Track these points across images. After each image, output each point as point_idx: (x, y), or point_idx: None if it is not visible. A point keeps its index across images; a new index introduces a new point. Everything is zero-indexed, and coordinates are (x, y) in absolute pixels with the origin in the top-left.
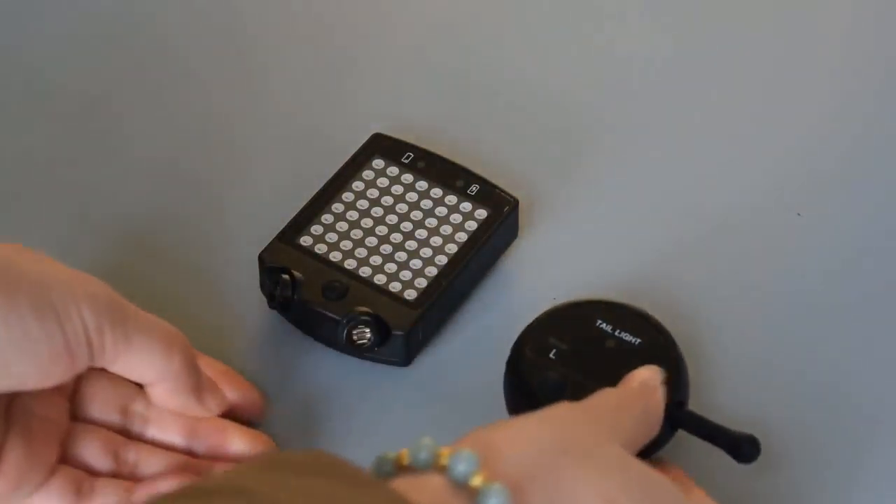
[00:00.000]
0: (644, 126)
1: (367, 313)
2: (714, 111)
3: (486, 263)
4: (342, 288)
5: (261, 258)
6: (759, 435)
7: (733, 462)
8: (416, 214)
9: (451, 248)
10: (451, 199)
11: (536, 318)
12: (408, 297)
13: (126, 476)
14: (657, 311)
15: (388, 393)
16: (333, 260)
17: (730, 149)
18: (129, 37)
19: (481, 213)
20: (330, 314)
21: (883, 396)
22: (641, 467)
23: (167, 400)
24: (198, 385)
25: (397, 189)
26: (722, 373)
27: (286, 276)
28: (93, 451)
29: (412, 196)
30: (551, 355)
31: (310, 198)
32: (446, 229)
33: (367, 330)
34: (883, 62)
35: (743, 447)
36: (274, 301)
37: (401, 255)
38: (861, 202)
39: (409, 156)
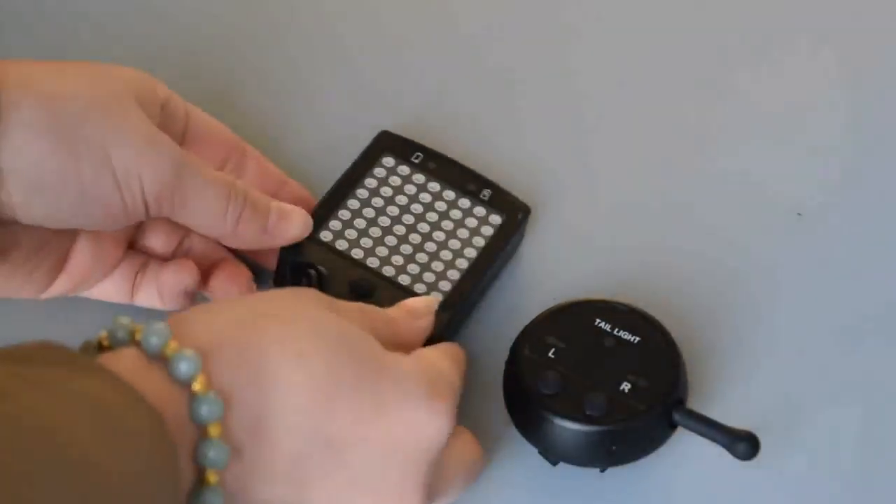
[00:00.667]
0: (644, 127)
1: None
2: (714, 112)
3: (499, 269)
4: (369, 286)
5: (282, 253)
6: (758, 432)
7: (732, 459)
8: (432, 216)
9: (471, 253)
10: (465, 202)
11: (536, 318)
12: None
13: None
14: (657, 311)
15: None
16: (356, 257)
17: (730, 149)
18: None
19: (496, 219)
20: None
21: (882, 396)
22: (343, 325)
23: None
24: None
25: (410, 188)
26: (721, 371)
27: (313, 272)
28: (157, 241)
29: (425, 197)
30: (550, 354)
31: (323, 194)
32: (463, 233)
33: None
34: (884, 61)
35: (742, 444)
36: None
37: (421, 257)
38: (861, 202)
39: (418, 155)
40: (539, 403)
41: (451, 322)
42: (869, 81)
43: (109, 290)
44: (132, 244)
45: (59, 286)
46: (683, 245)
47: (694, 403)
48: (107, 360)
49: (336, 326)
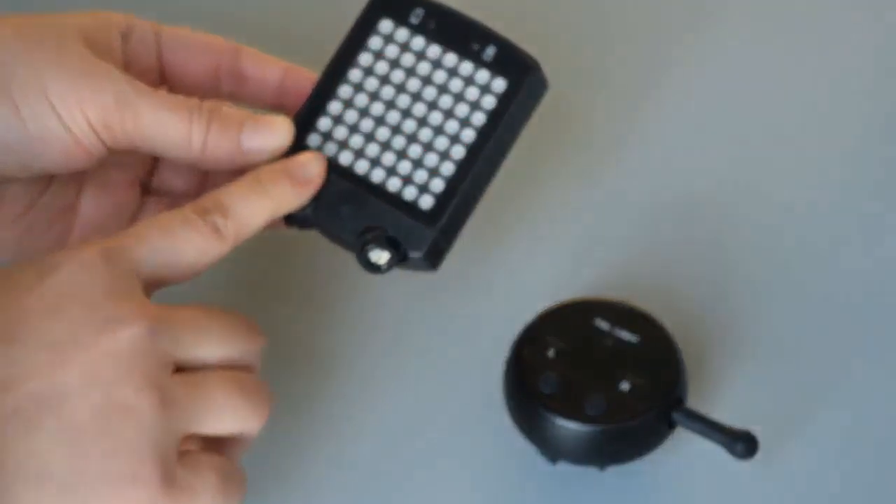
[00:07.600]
0: (643, 125)
1: (381, 236)
2: (714, 110)
3: (510, 138)
4: (355, 201)
5: None
6: (757, 432)
7: (732, 458)
8: (430, 93)
9: (469, 136)
10: (467, 67)
11: (535, 318)
12: (423, 207)
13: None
14: (657, 310)
15: (388, 392)
16: (344, 164)
17: (730, 148)
18: None
19: (499, 85)
20: (344, 237)
21: (882, 395)
22: (102, 399)
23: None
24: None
25: (408, 59)
26: (721, 371)
27: None
28: (176, 179)
29: (423, 67)
30: (550, 354)
31: (317, 79)
32: (462, 110)
33: (384, 252)
34: (883, 61)
35: (740, 444)
36: (291, 220)
37: (415, 150)
38: (861, 201)
39: (418, 13)
40: (539, 403)
41: (445, 231)
42: (869, 81)
43: None
44: (152, 189)
45: (75, 243)
46: (683, 245)
47: (694, 403)
48: None
49: (89, 409)
